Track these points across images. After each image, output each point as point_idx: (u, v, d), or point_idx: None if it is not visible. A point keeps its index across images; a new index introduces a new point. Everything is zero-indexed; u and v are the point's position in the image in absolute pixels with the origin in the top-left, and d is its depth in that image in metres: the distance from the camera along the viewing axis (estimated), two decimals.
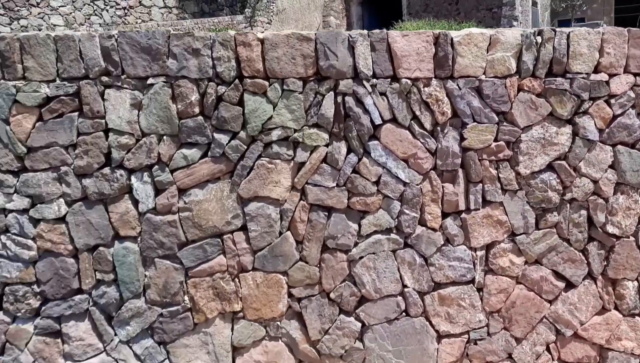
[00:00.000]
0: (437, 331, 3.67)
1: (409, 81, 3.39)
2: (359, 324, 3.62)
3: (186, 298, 3.56)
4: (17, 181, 3.43)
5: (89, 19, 13.05)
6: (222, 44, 3.33)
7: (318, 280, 3.56)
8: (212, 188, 3.48)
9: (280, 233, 3.52)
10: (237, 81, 3.37)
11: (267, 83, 3.38)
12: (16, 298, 3.56)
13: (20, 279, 3.53)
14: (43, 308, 3.56)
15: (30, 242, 3.49)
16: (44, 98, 3.35)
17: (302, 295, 3.58)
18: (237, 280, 3.56)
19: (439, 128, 3.48)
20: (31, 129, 3.37)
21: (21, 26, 11.61)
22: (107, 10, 13.52)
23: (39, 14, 12.09)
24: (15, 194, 3.45)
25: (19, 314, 3.58)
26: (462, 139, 3.49)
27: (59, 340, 3.62)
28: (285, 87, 3.38)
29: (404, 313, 3.64)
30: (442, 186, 3.53)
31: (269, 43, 3.34)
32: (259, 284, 3.54)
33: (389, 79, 3.41)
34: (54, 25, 12.28)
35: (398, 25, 8.09)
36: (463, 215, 3.57)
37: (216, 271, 3.53)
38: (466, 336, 3.71)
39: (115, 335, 3.59)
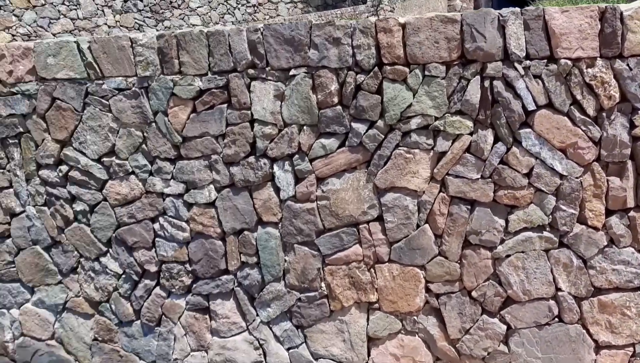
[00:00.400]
0: (595, 341, 3.29)
1: (568, 62, 3.04)
2: (504, 326, 3.38)
3: (323, 285, 3.62)
4: (174, 168, 3.75)
5: (222, 17, 13.97)
6: (362, 31, 3.28)
7: (459, 277, 3.38)
8: (348, 178, 3.47)
9: (418, 226, 3.40)
10: (376, 68, 3.30)
11: (407, 70, 3.26)
12: (171, 275, 3.91)
13: (175, 258, 3.88)
14: (194, 285, 3.88)
15: (184, 224, 3.80)
16: (197, 91, 3.59)
17: (440, 291, 3.43)
18: (373, 270, 3.53)
19: (604, 114, 3.07)
20: (186, 120, 3.65)
21: (165, 27, 12.79)
22: (239, 9, 14.34)
23: (179, 15, 13.22)
24: (172, 180, 3.78)
25: (173, 290, 3.94)
26: (633, 126, 3.05)
27: (207, 317, 3.91)
28: (426, 73, 3.23)
29: (556, 319, 3.32)
30: (607, 180, 3.13)
31: (411, 27, 3.21)
32: (395, 276, 3.47)
33: (545, 60, 3.09)
34: (193, 25, 13.35)
35: (535, 5, 7.38)
36: (632, 213, 3.13)
37: (352, 260, 3.53)
38: (631, 349, 3.27)
39: (257, 315, 3.79)
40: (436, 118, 3.26)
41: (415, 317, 3.51)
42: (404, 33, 3.22)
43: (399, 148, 3.35)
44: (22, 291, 4.32)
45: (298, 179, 3.55)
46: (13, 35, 10.28)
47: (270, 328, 3.78)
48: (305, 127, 3.47)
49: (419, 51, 3.21)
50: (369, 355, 3.63)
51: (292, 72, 3.42)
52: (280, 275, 3.68)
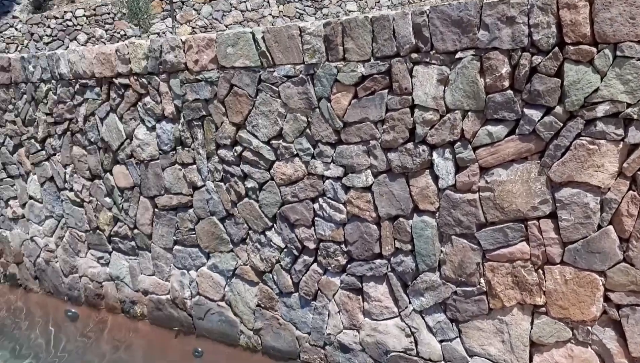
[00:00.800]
0: None
1: None
2: None
3: (482, 280, 3.45)
4: (334, 152, 3.87)
5: (378, 2, 13.91)
6: (541, 8, 2.96)
7: None
8: (517, 169, 3.21)
9: (600, 227, 3.02)
10: (556, 49, 2.97)
11: (594, 50, 2.87)
12: (328, 254, 4.09)
13: (332, 238, 4.03)
14: (348, 266, 4.00)
15: (341, 206, 3.92)
16: (359, 77, 3.62)
17: (623, 302, 3.02)
18: (540, 271, 3.24)
19: None
20: (347, 106, 3.72)
21: (323, 15, 13.19)
22: None
23: (337, 2, 13.50)
24: (332, 164, 3.91)
25: (329, 268, 4.12)
26: None
27: (360, 297, 4.01)
28: (618, 53, 2.81)
29: None
30: None
31: (601, 2, 2.81)
32: (567, 280, 3.15)
33: None
34: (349, 11, 13.54)
35: None
36: None
37: (517, 258, 3.29)
38: None
39: (410, 303, 3.77)
40: (629, 105, 2.84)
41: (589, 327, 3.15)
42: (592, 9, 2.84)
43: (581, 137, 2.99)
44: (199, 256, 4.92)
45: (459, 168, 3.40)
46: (193, 28, 11.58)
47: (423, 318, 3.74)
48: (469, 113, 3.29)
49: (610, 28, 2.79)
50: (530, 360, 3.37)
51: (458, 55, 3.26)
52: (435, 265, 3.60)
